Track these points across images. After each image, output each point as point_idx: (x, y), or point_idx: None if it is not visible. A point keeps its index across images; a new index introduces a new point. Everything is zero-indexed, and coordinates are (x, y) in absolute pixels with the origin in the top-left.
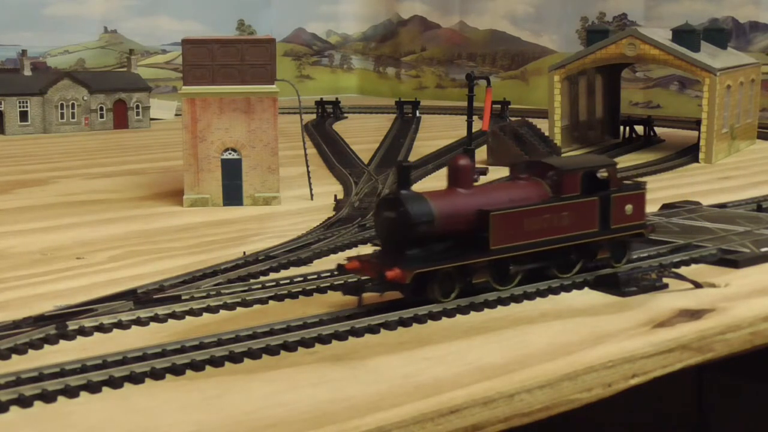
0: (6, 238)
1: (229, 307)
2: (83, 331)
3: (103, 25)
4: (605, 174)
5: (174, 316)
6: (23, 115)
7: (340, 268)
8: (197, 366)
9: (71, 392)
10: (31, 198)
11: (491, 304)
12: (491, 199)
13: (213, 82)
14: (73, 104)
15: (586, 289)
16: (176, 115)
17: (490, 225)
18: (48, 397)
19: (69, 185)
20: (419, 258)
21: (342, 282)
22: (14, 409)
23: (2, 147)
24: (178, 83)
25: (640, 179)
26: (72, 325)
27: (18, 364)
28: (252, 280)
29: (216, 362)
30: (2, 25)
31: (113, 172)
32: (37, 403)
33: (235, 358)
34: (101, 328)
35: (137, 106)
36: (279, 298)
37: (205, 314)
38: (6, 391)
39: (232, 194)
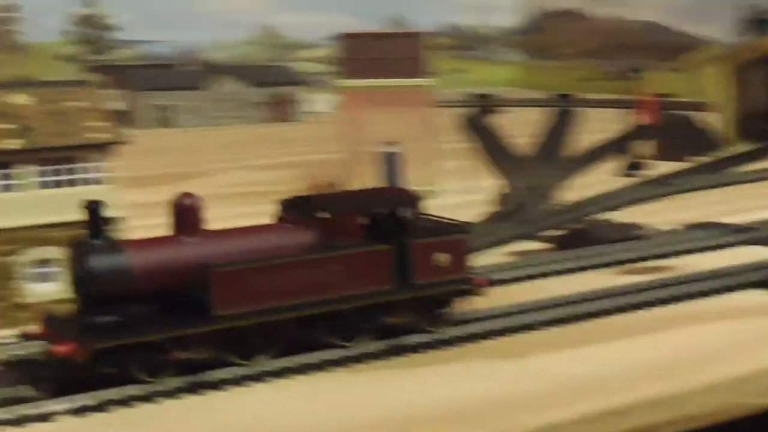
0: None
1: None
2: None
3: (259, 21)
4: (407, 214)
5: None
6: (188, 109)
7: (25, 335)
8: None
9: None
10: (192, 189)
11: (665, 301)
12: (222, 250)
13: (370, 75)
14: (234, 98)
15: (754, 289)
16: (333, 108)
17: (211, 283)
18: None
19: (230, 177)
20: (107, 327)
21: None
22: (189, 397)
23: (164, 140)
24: (333, 77)
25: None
26: None
27: None
28: None
29: (377, 356)
30: (163, 22)
31: (272, 164)
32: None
33: (396, 352)
34: None
35: (295, 100)
36: None
37: None
38: None
39: None
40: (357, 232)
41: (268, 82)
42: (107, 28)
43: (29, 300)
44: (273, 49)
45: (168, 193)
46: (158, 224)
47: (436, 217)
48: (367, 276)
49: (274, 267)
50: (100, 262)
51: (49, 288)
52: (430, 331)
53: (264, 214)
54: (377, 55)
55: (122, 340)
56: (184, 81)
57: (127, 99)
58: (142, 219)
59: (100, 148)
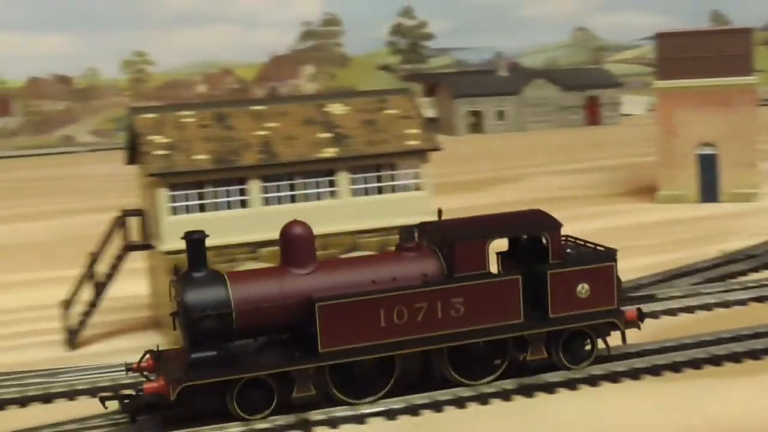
0: None
1: (707, 307)
2: None
3: (572, 24)
4: (543, 241)
5: (650, 315)
6: (499, 114)
7: (129, 368)
8: (675, 367)
9: (547, 388)
10: (504, 194)
11: None
12: (334, 282)
13: (687, 75)
14: (546, 102)
15: None
16: (648, 110)
17: (317, 318)
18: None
19: (541, 182)
20: (203, 363)
21: None
22: (496, 402)
23: (479, 145)
24: (648, 78)
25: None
26: None
27: None
28: (730, 280)
29: (695, 364)
30: (479, 28)
31: (584, 168)
32: (517, 397)
33: (716, 360)
34: None
35: (608, 103)
36: (761, 299)
37: (680, 314)
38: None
39: (708, 190)
40: (479, 261)
41: (580, 85)
42: (424, 37)
43: None
44: (587, 52)
45: (480, 198)
46: None
47: (585, 243)
48: (494, 309)
49: (385, 300)
50: (200, 297)
51: None
52: (568, 368)
53: (575, 218)
54: (697, 53)
55: (212, 377)
56: (497, 86)
57: (440, 106)
58: None
59: (414, 155)
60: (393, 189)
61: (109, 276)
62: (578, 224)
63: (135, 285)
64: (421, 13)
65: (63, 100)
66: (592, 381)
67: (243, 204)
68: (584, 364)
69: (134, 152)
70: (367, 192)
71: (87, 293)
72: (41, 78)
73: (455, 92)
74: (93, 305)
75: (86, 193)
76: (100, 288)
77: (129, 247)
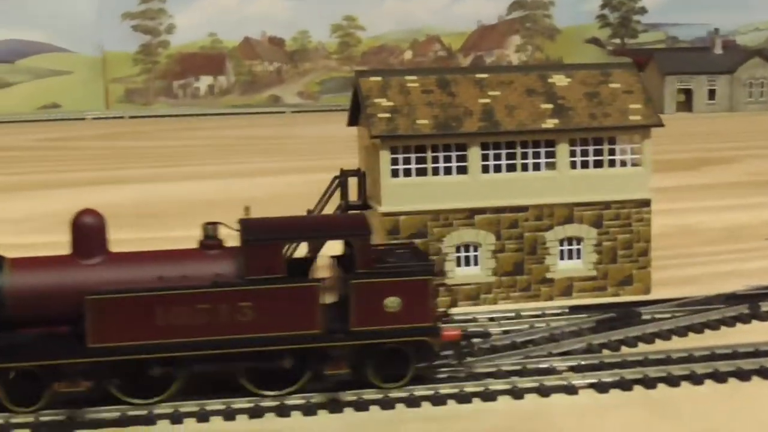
0: (694, 214)
1: None
2: None
3: None
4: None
5: None
6: (711, 94)
7: None
8: None
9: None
10: (716, 176)
11: None
12: (118, 276)
13: None
14: (762, 83)
15: None
16: None
17: (87, 313)
18: (742, 375)
19: (756, 165)
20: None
21: None
22: (708, 383)
23: (689, 125)
24: None
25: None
26: (764, 306)
27: (711, 339)
28: None
29: None
30: (693, 4)
31: None
32: (731, 380)
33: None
34: None
35: None
36: None
37: None
38: (702, 364)
39: None
40: (277, 265)
41: None
42: (636, 11)
43: (554, 275)
44: None
45: (692, 178)
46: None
47: (414, 253)
48: (286, 317)
49: (155, 298)
50: None
51: (574, 265)
52: (380, 388)
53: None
54: None
55: None
56: (710, 65)
57: (649, 83)
58: (663, 203)
59: (636, 130)
60: (612, 163)
61: None
62: None
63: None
64: None
65: (274, 62)
66: None
67: (461, 170)
68: (400, 383)
69: (357, 114)
70: (585, 165)
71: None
72: (254, 39)
73: (666, 69)
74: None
75: (292, 153)
76: (316, 247)
77: (347, 207)
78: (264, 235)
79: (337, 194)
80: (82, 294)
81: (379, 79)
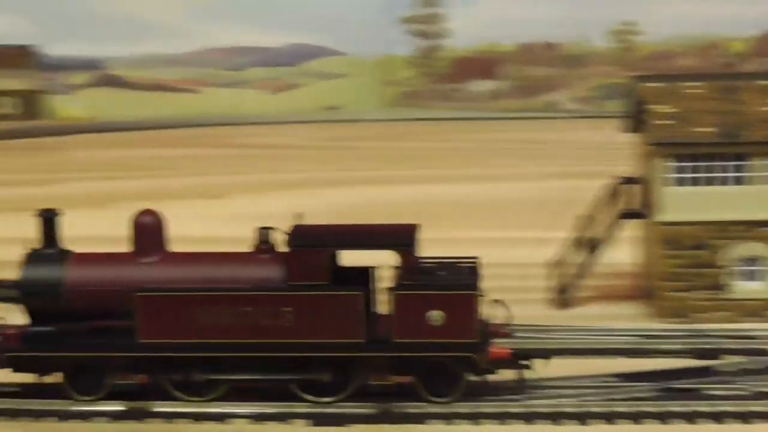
0: None
1: None
2: None
3: None
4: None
5: None
6: None
7: None
8: None
9: None
10: None
11: None
12: (171, 275)
13: None
14: None
15: None
16: None
17: (138, 308)
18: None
19: None
20: (34, 338)
21: None
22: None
23: None
24: None
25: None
26: None
27: None
28: None
29: None
30: None
31: None
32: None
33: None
34: None
35: None
36: None
37: None
38: None
39: None
40: (320, 272)
41: None
42: None
43: (733, 296)
44: None
45: None
46: None
47: (470, 269)
48: (327, 325)
49: (200, 299)
50: (35, 273)
51: (754, 286)
52: (428, 400)
53: None
54: None
55: (34, 351)
56: None
57: None
58: None
59: None
60: None
61: (604, 241)
62: None
63: (620, 252)
64: None
65: (550, 66)
66: None
67: (740, 180)
68: (448, 399)
69: (636, 121)
70: None
71: (577, 256)
72: (531, 43)
73: None
74: (585, 268)
75: (566, 159)
76: (593, 252)
77: (624, 215)
78: (306, 242)
79: (615, 201)
80: (134, 290)
81: (658, 84)
